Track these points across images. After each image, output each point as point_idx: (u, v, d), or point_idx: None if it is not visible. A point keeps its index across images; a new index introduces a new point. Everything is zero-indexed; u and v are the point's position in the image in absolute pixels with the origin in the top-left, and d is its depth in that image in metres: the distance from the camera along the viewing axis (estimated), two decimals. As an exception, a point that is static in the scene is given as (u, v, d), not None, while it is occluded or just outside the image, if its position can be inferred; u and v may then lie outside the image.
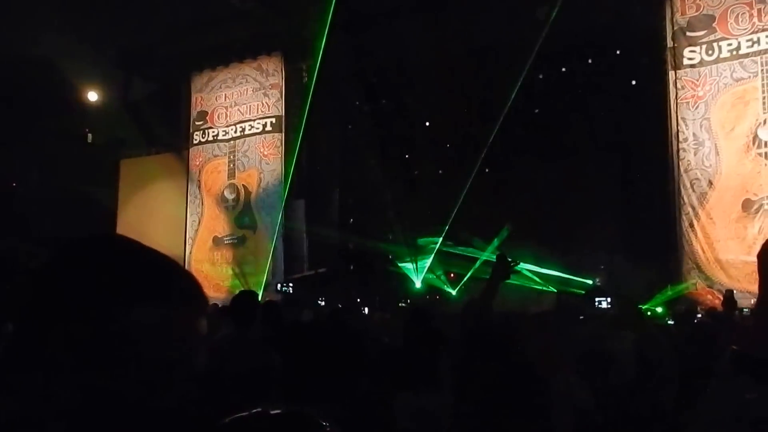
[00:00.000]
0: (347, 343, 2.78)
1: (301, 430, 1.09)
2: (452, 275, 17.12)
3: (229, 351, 4.12)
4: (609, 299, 9.87)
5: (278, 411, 1.10)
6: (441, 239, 16.51)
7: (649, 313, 12.10)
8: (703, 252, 13.63)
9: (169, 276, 0.99)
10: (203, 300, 1.04)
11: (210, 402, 3.60)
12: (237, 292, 16.28)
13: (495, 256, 3.35)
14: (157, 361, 0.89)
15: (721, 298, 12.92)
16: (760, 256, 1.88)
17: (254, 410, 1.09)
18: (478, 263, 15.65)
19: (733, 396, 1.43)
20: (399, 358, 2.91)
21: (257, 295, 4.77)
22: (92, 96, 19.40)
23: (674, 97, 14.09)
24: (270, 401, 3.44)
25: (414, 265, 17.06)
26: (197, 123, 19.93)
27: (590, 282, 15.40)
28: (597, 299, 10.70)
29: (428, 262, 16.88)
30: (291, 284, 16.67)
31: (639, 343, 2.56)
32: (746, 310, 10.23)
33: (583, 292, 14.41)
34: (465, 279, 16.25)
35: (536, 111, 16.23)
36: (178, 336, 0.92)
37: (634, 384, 2.36)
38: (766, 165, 13.04)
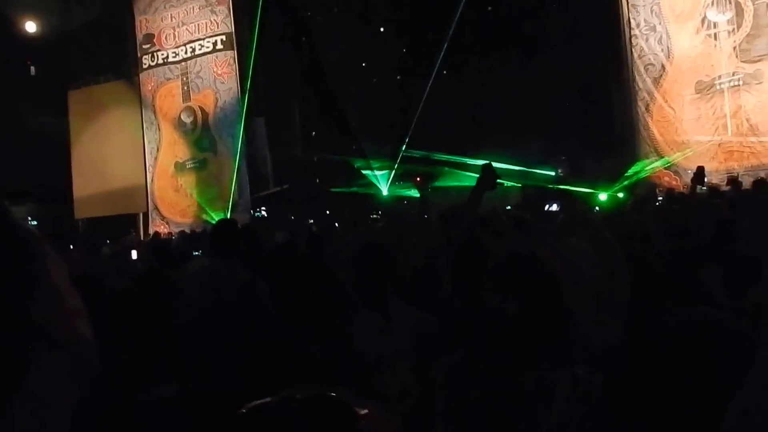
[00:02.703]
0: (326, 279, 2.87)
1: (333, 420, 1.00)
2: (419, 179, 17.27)
3: (213, 283, 4.03)
4: (558, 203, 9.89)
5: (305, 395, 1.02)
6: (404, 145, 16.56)
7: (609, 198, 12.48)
8: (660, 135, 13.96)
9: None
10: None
11: (200, 335, 3.70)
12: (202, 216, 16.06)
13: (481, 167, 3.42)
14: None
15: (678, 180, 13.42)
16: None
17: (279, 395, 1.02)
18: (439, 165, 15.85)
19: None
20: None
21: (237, 223, 4.75)
22: (30, 26, 18.49)
23: (624, -17, 14.08)
24: (258, 331, 3.53)
25: (380, 173, 17.16)
26: (144, 47, 19.28)
27: (553, 173, 15.69)
28: (546, 203, 10.80)
29: (393, 169, 17.00)
30: (264, 208, 16.64)
31: (591, 250, 2.55)
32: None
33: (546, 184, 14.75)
34: (432, 183, 16.46)
35: (489, 8, 16.06)
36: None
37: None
38: (715, 46, 13.21)
